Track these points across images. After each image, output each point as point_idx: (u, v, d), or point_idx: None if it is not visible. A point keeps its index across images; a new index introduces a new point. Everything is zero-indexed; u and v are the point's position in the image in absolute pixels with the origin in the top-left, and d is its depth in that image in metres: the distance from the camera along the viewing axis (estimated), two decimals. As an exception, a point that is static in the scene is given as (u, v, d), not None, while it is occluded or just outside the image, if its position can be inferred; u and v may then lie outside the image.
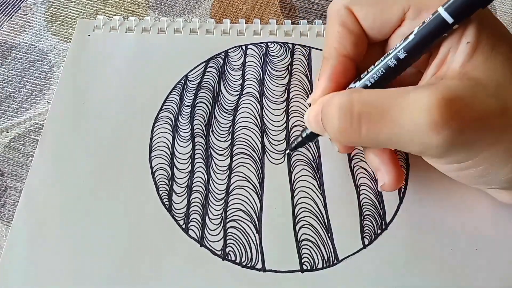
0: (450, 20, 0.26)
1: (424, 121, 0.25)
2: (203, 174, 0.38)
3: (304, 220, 0.36)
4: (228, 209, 0.36)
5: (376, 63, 0.30)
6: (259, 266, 0.34)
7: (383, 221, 0.36)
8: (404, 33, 0.30)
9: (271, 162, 0.38)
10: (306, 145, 0.39)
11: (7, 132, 0.41)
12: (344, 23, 0.32)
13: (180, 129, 0.40)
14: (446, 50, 0.28)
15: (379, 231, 0.35)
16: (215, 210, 0.36)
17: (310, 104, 0.33)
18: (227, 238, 0.35)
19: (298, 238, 0.35)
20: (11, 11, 0.49)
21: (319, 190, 0.37)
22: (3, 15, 0.49)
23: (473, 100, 0.26)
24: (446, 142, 0.26)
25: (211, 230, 0.35)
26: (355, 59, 0.32)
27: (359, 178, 0.37)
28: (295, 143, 0.36)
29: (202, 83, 0.42)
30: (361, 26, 0.33)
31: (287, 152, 0.38)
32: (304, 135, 0.35)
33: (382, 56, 0.30)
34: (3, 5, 0.50)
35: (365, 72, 0.31)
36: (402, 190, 0.37)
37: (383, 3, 0.31)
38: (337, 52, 0.32)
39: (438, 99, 0.25)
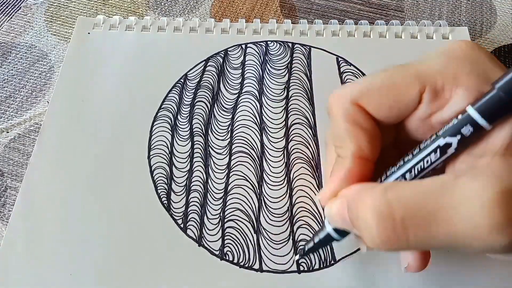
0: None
1: (485, 223, 0.22)
2: (202, 173, 0.38)
3: (302, 220, 0.36)
4: (226, 209, 0.36)
5: (401, 169, 0.27)
6: (256, 266, 0.34)
7: (381, 221, 0.35)
8: (422, 116, 0.28)
9: (270, 160, 0.38)
10: (305, 143, 0.39)
11: (7, 132, 0.41)
12: (355, 121, 0.29)
13: (179, 128, 0.40)
14: None
15: (377, 231, 0.35)
16: (214, 209, 0.36)
17: (320, 199, 0.30)
18: (225, 238, 0.35)
19: (296, 239, 0.35)
20: (11, 11, 0.49)
21: (317, 189, 0.37)
22: (3, 15, 0.49)
23: None
24: (509, 241, 0.22)
25: (209, 230, 0.35)
26: (370, 158, 0.29)
27: (358, 178, 0.37)
28: (306, 248, 0.31)
29: (202, 82, 0.43)
30: (373, 121, 0.29)
31: (296, 259, 0.35)
32: (316, 240, 0.30)
33: (393, 139, 0.30)
34: (3, 5, 0.50)
35: (394, 168, 0.27)
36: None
37: (396, 90, 0.28)
38: (351, 153, 0.28)
39: (495, 195, 0.22)
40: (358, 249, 0.34)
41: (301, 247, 0.33)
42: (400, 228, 0.23)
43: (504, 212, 0.22)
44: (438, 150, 0.25)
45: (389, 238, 0.24)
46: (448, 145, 0.25)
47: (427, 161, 0.26)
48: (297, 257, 0.34)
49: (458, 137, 0.25)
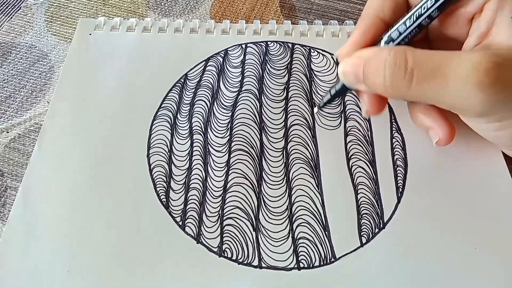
0: None
1: (472, 80, 0.28)
2: (201, 171, 0.38)
3: (302, 218, 0.35)
4: (225, 207, 0.36)
5: (405, 21, 0.33)
6: (255, 263, 0.34)
7: (381, 220, 0.35)
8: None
9: (269, 159, 0.38)
10: (305, 144, 0.39)
11: (7, 132, 0.41)
12: None
13: (179, 127, 0.40)
14: (488, 22, 0.32)
15: (376, 230, 0.35)
16: (212, 207, 0.36)
17: (337, 59, 0.36)
18: (224, 235, 0.35)
19: (295, 236, 0.35)
20: (11, 11, 0.49)
21: (317, 188, 0.37)
22: (3, 15, 0.49)
23: None
24: (488, 100, 0.29)
25: (208, 227, 0.35)
26: (389, 23, 0.34)
27: (357, 178, 0.37)
28: (323, 101, 0.37)
29: (202, 82, 0.43)
30: None
31: (316, 112, 0.39)
32: (333, 92, 0.36)
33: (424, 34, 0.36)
34: (3, 5, 0.50)
35: (394, 29, 0.33)
36: (400, 189, 0.37)
37: None
38: (374, 13, 0.35)
39: (487, 62, 0.28)
40: (359, 247, 0.34)
41: (318, 100, 0.39)
42: (408, 75, 0.30)
43: (489, 75, 0.28)
44: None
45: (398, 82, 0.30)
46: None
47: (424, 8, 0.32)
48: (315, 109, 0.39)
49: None
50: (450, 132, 0.35)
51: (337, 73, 0.38)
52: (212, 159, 0.38)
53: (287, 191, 0.37)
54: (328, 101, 0.37)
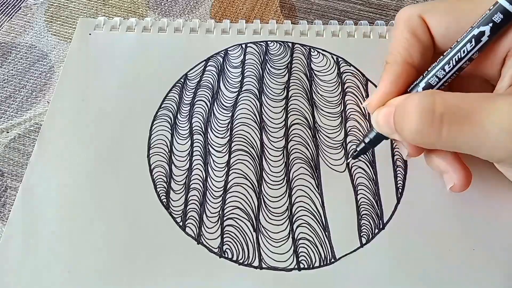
0: None
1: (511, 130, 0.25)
2: (201, 171, 0.38)
3: (302, 219, 0.36)
4: (225, 207, 0.36)
5: (443, 66, 0.31)
6: (256, 264, 0.34)
7: (380, 221, 0.35)
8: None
9: (270, 159, 0.38)
10: (305, 143, 0.39)
11: (7, 132, 0.41)
12: (414, 31, 0.32)
13: (179, 127, 0.40)
14: None
15: (376, 231, 0.35)
16: (213, 208, 0.36)
17: (365, 107, 0.34)
18: (224, 235, 0.35)
19: (295, 237, 0.35)
20: (11, 11, 0.49)
21: (317, 189, 0.37)
22: (3, 15, 0.49)
23: None
24: None
25: (208, 228, 0.35)
26: (418, 68, 0.32)
27: (357, 178, 0.37)
28: (357, 150, 0.36)
29: (202, 82, 0.43)
30: (430, 36, 0.33)
31: (347, 161, 0.38)
32: (367, 140, 0.34)
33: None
34: (3, 5, 0.50)
35: (432, 75, 0.31)
36: (400, 190, 0.37)
37: (459, 12, 0.31)
38: (402, 59, 0.32)
39: None
40: (358, 248, 0.34)
41: (352, 149, 0.38)
42: (438, 122, 0.27)
43: None
44: (473, 40, 0.29)
45: (426, 130, 0.28)
46: (482, 33, 0.29)
47: (464, 51, 0.30)
48: (349, 160, 0.38)
49: (490, 24, 0.29)
50: (466, 178, 0.33)
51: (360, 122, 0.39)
52: (212, 159, 0.38)
53: (287, 191, 0.37)
54: (362, 150, 0.35)
